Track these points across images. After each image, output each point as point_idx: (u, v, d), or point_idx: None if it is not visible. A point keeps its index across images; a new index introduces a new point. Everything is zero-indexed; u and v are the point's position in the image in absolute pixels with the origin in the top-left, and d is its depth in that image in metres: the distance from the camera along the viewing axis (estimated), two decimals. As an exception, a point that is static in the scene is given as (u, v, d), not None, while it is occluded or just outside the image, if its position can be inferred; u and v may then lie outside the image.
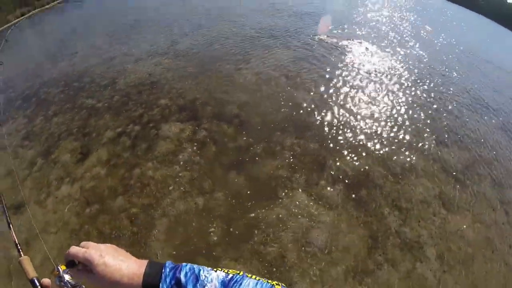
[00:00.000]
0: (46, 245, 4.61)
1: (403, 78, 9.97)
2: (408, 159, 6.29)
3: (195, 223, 4.77)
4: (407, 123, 7.41)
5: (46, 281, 0.91)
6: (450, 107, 8.62)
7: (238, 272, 0.91)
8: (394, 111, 7.83)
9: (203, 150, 6.07)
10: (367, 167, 5.87)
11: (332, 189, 5.30)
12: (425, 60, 12.54)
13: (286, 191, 5.23)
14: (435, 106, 8.51)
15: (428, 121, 7.66)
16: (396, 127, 7.15)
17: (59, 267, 0.86)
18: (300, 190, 5.23)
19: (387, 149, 6.43)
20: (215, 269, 0.91)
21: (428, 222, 5.14)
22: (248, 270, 3.99)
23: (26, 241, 4.75)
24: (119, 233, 4.75)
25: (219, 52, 10.82)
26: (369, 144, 6.47)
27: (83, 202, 5.32)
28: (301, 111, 7.29)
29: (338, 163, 5.88)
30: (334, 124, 6.94)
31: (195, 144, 6.24)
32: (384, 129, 7.03)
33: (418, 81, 10.04)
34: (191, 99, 7.75)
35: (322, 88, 8.39)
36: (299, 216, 4.82)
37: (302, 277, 4.12)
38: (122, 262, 0.87)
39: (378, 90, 8.78)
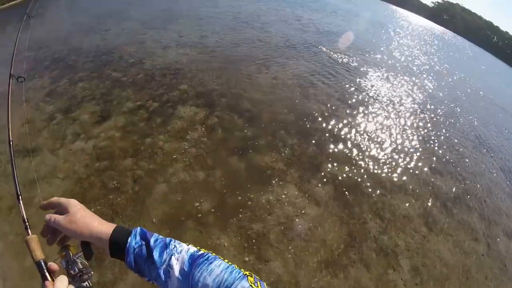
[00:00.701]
0: (51, 188, 5.12)
1: (413, 107, 10.25)
2: (401, 177, 6.49)
3: (192, 192, 5.15)
4: (407, 147, 7.64)
5: (54, 266, 0.87)
6: (453, 141, 8.81)
7: (211, 251, 0.92)
8: (397, 134, 8.10)
9: (211, 134, 6.51)
10: (359, 177, 6.13)
11: (321, 189, 5.60)
12: (437, 93, 12.82)
13: (280, 182, 5.56)
14: (438, 137, 8.71)
15: (428, 149, 7.87)
16: (395, 149, 7.40)
17: (69, 251, 0.91)
18: (292, 184, 5.55)
19: (382, 165, 6.67)
20: (187, 243, 0.94)
21: (408, 236, 5.27)
22: (231, 240, 4.40)
23: (30, 183, 5.03)
24: (121, 188, 5.14)
25: (243, 54, 11.35)
26: (366, 158, 6.73)
27: (94, 157, 5.75)
28: (308, 118, 7.66)
29: (332, 168, 6.17)
30: (336, 136, 7.24)
31: (206, 127, 6.69)
32: (384, 148, 7.29)
33: (427, 111, 10.32)
34: (210, 89, 8.26)
35: (332, 102, 8.73)
36: (286, 204, 5.14)
37: (278, 257, 4.37)
38: (95, 216, 0.93)
39: (385, 114, 9.06)
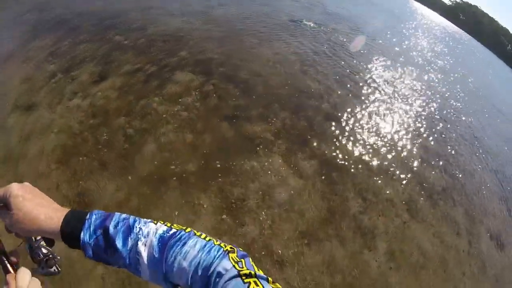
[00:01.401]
0: (43, 142, 5.24)
1: (411, 98, 10.25)
2: (389, 163, 6.52)
3: (179, 153, 5.26)
4: (400, 135, 7.66)
5: (14, 255, 0.80)
6: (447, 137, 8.83)
7: (184, 228, 0.85)
8: (391, 122, 8.12)
9: (205, 100, 6.57)
10: (346, 157, 6.18)
11: (307, 163, 5.67)
12: (438, 88, 12.82)
13: (266, 151, 5.64)
14: (433, 131, 8.73)
15: (422, 141, 7.88)
16: (387, 136, 7.42)
17: (31, 237, 0.83)
18: (278, 154, 5.63)
19: (371, 149, 6.71)
20: (155, 222, 0.85)
21: (388, 220, 5.28)
22: (210, 201, 4.51)
23: (25, 138, 5.33)
24: (112, 144, 5.26)
25: (248, 27, 11.36)
26: (356, 140, 6.76)
27: (89, 114, 5.85)
28: (303, 94, 7.69)
29: (319, 145, 6.23)
30: (329, 114, 7.27)
31: (200, 93, 6.75)
32: (376, 133, 7.32)
33: (425, 103, 10.32)
34: (209, 58, 8.28)
35: (331, 83, 8.73)
36: (270, 173, 5.23)
37: (255, 222, 4.48)
38: (42, 200, 0.81)
39: (382, 101, 9.07)
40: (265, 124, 6.26)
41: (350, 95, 8.49)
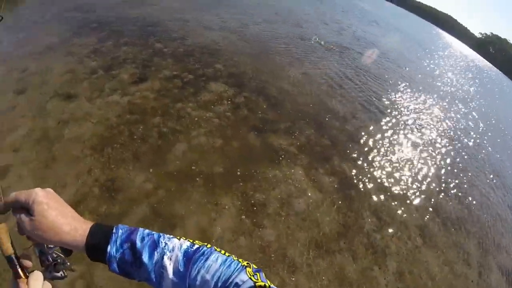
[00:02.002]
0: (82, 130, 5.73)
1: (432, 127, 10.30)
2: (406, 187, 6.63)
3: (207, 155, 5.63)
4: (419, 162, 7.75)
5: (28, 262, 0.78)
6: (466, 168, 8.81)
7: (205, 244, 0.87)
8: (412, 149, 8.24)
9: (236, 110, 6.97)
10: (365, 177, 6.37)
11: (327, 178, 5.90)
12: (461, 120, 12.78)
13: (289, 162, 5.92)
14: (452, 161, 8.76)
15: (440, 170, 7.93)
16: (407, 162, 7.53)
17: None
18: (300, 167, 5.90)
19: (390, 172, 6.85)
20: (178, 237, 0.88)
21: (400, 241, 5.35)
22: (233, 202, 4.80)
23: (63, 122, 5.83)
24: (146, 139, 5.68)
25: (280, 47, 11.86)
26: (376, 162, 6.94)
27: (126, 110, 6.30)
28: (328, 115, 7.97)
29: (340, 163, 6.45)
30: (352, 136, 7.50)
31: (232, 103, 7.17)
32: (396, 158, 7.46)
33: (447, 134, 10.37)
34: (242, 72, 8.77)
35: (355, 106, 9.00)
36: (290, 183, 5.49)
37: (272, 226, 4.71)
38: (66, 210, 0.81)
39: (403, 128, 9.20)
40: (290, 138, 6.57)
41: (373, 120, 8.69)
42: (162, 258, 0.80)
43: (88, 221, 0.83)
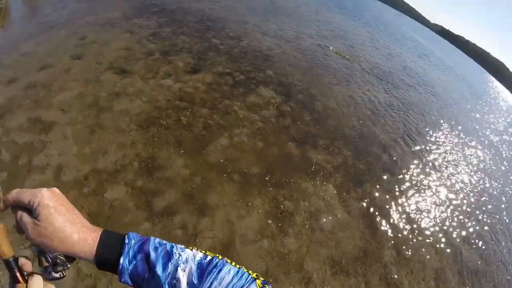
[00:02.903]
0: (132, 105, 6.06)
1: (472, 176, 9.96)
2: (431, 228, 6.50)
3: (247, 155, 5.79)
4: (450, 207, 7.55)
5: (27, 265, 0.73)
6: (497, 225, 8.44)
7: (217, 255, 0.87)
8: (446, 191, 8.04)
9: (280, 118, 7.12)
10: (394, 210, 6.31)
11: (357, 202, 5.92)
12: (503, 178, 12.38)
13: (323, 179, 5.98)
14: (485, 214, 8.44)
15: (468, 220, 7.66)
16: (437, 203, 7.36)
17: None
18: (333, 185, 5.95)
19: (418, 210, 6.74)
20: (190, 248, 0.86)
21: (414, 279, 5.26)
22: (263, 205, 4.92)
23: (116, 94, 6.18)
24: (191, 127, 5.94)
25: (330, 65, 12.12)
26: (406, 198, 6.83)
27: (177, 97, 6.59)
28: (369, 140, 7.99)
29: (373, 190, 6.43)
30: (388, 166, 7.43)
31: (277, 111, 7.34)
32: (427, 197, 7.32)
33: (484, 186, 9.97)
34: (291, 82, 8.95)
35: (395, 137, 8.93)
36: (321, 199, 5.55)
37: (295, 236, 4.77)
38: (74, 215, 0.76)
39: (442, 170, 9.01)
40: (328, 155, 6.64)
41: (410, 154, 8.60)
42: (176, 270, 0.79)
43: (96, 228, 0.78)
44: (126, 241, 0.78)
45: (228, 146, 5.80)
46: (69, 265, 0.77)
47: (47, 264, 0.75)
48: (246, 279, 0.81)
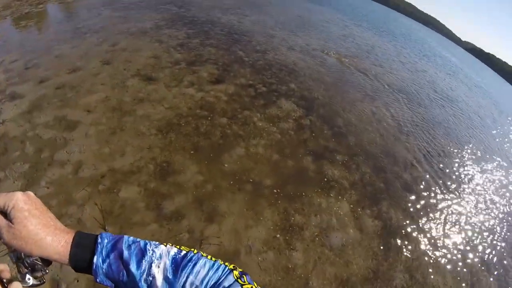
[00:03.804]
0: (154, 110, 6.26)
1: (498, 203, 9.50)
2: (448, 255, 6.19)
3: (262, 165, 5.81)
4: (468, 235, 7.07)
5: (4, 270, 0.74)
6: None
7: (192, 249, 0.87)
8: (466, 219, 7.51)
9: (299, 131, 7.12)
10: (410, 229, 6.10)
11: (371, 220, 5.76)
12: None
13: (338, 195, 5.89)
14: (503, 243, 8.08)
15: (486, 250, 7.23)
16: (456, 229, 6.93)
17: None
18: (347, 202, 5.84)
19: (435, 234, 6.46)
20: (164, 244, 0.87)
21: None
22: (272, 216, 4.92)
23: (138, 101, 6.40)
24: (209, 135, 6.05)
25: (355, 82, 11.94)
26: (423, 220, 6.56)
27: (198, 105, 6.76)
28: (389, 158, 7.79)
29: (389, 209, 6.24)
30: (407, 186, 7.20)
31: (297, 124, 7.35)
32: (446, 221, 6.98)
33: (506, 217, 9.71)
34: (313, 97, 8.96)
35: (418, 157, 8.65)
36: (333, 215, 5.45)
37: (303, 251, 4.69)
38: (48, 218, 0.76)
39: (464, 196, 8.47)
40: (345, 171, 6.54)
41: (433, 175, 8.32)
42: (150, 266, 0.79)
43: (70, 229, 0.78)
44: (99, 240, 0.79)
45: (244, 156, 5.84)
46: (47, 270, 0.77)
47: (26, 270, 0.74)
48: (223, 271, 0.82)
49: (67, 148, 4.94)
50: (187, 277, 0.79)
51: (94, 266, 0.76)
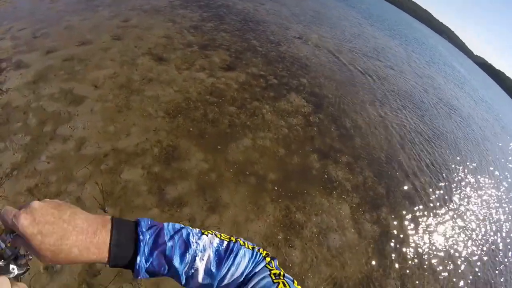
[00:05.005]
0: (163, 92, 6.15)
1: (497, 221, 9.61)
2: (441, 265, 6.14)
3: (267, 159, 5.73)
4: (465, 244, 7.07)
5: None
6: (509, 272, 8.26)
7: (231, 238, 0.87)
8: (464, 230, 7.51)
9: (307, 128, 7.02)
10: (406, 238, 6.07)
11: (370, 225, 5.73)
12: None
13: (339, 196, 5.85)
14: (501, 265, 8.09)
15: (482, 260, 7.22)
16: (454, 242, 6.91)
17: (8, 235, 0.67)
18: (348, 204, 5.80)
19: (433, 245, 6.45)
20: (205, 233, 0.85)
21: None
22: (274, 212, 4.83)
23: (148, 80, 6.32)
24: (217, 123, 5.96)
25: (366, 83, 11.78)
26: (422, 229, 6.56)
27: (207, 91, 6.64)
28: (392, 165, 7.72)
29: (388, 216, 6.22)
30: (408, 194, 7.17)
31: (305, 120, 7.24)
32: (445, 232, 6.98)
33: (506, 234, 9.69)
34: (323, 94, 8.82)
35: (421, 167, 8.60)
36: (334, 216, 5.41)
37: (301, 249, 4.67)
38: (65, 223, 0.66)
39: (468, 209, 8.46)
40: (348, 173, 6.47)
41: (434, 186, 8.28)
42: (194, 259, 0.77)
43: (97, 227, 0.70)
44: (140, 236, 0.73)
45: (250, 147, 5.76)
46: (31, 257, 0.71)
47: (8, 257, 0.67)
48: (259, 259, 0.85)
49: (71, 123, 4.84)
50: (229, 269, 0.79)
51: (137, 267, 0.72)
